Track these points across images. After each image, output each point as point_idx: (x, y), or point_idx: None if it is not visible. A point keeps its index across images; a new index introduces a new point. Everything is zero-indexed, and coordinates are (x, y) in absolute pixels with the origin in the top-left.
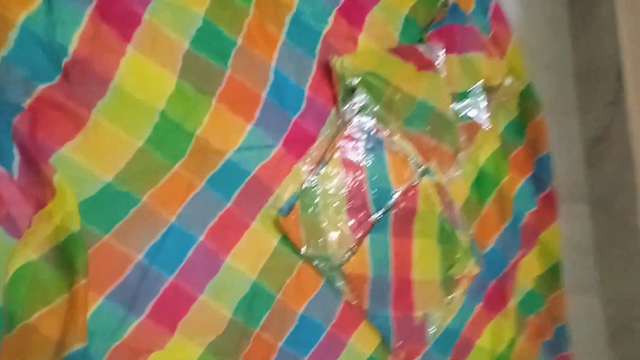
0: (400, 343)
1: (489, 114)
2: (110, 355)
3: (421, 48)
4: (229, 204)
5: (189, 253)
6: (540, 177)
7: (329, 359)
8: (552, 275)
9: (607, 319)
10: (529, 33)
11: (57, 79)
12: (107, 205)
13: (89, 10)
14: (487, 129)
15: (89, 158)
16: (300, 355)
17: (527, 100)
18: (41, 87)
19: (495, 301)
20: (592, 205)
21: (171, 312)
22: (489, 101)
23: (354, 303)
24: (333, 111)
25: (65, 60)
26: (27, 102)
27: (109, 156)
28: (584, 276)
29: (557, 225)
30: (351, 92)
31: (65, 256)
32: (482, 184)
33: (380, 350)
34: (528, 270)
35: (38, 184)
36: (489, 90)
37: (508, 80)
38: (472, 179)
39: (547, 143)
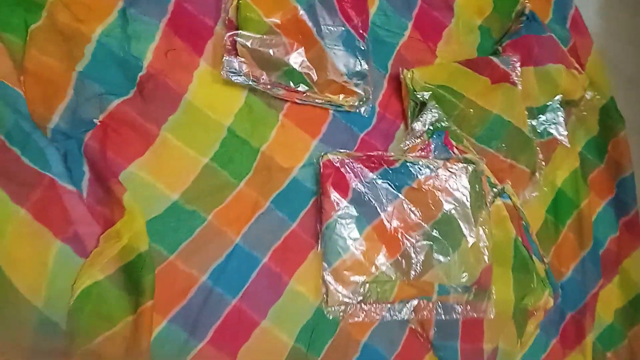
0: None
1: (567, 131)
2: None
3: (496, 60)
4: (294, 225)
5: (253, 275)
6: (622, 200)
7: None
8: (633, 308)
9: None
10: (610, 45)
11: (132, 93)
12: (173, 224)
13: (163, 23)
14: (566, 146)
15: (157, 176)
16: None
17: (608, 116)
18: (115, 102)
19: (572, 336)
20: None
21: (233, 339)
22: (567, 117)
23: (419, 332)
24: (402, 127)
25: (140, 74)
26: (100, 118)
27: (176, 174)
28: None
29: None
30: (422, 106)
31: (132, 277)
32: (559, 207)
33: None
34: (608, 302)
35: (106, 202)
36: (568, 104)
37: (588, 94)
38: (548, 202)
39: (630, 163)
